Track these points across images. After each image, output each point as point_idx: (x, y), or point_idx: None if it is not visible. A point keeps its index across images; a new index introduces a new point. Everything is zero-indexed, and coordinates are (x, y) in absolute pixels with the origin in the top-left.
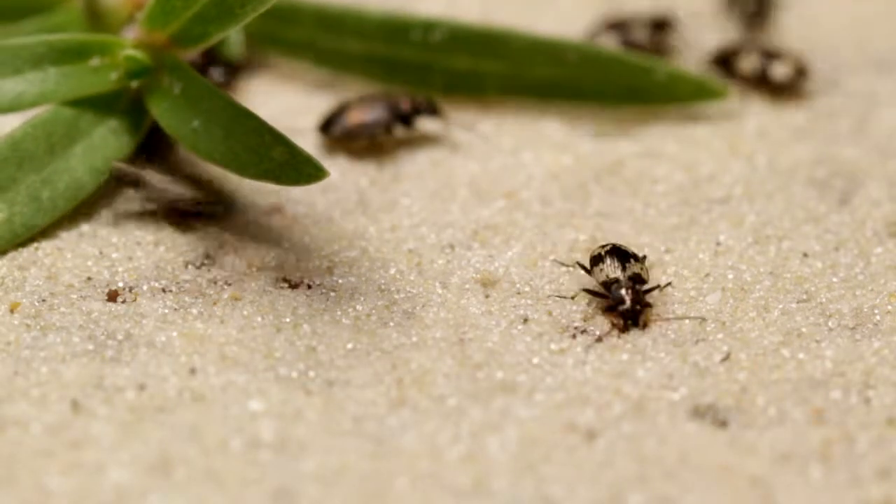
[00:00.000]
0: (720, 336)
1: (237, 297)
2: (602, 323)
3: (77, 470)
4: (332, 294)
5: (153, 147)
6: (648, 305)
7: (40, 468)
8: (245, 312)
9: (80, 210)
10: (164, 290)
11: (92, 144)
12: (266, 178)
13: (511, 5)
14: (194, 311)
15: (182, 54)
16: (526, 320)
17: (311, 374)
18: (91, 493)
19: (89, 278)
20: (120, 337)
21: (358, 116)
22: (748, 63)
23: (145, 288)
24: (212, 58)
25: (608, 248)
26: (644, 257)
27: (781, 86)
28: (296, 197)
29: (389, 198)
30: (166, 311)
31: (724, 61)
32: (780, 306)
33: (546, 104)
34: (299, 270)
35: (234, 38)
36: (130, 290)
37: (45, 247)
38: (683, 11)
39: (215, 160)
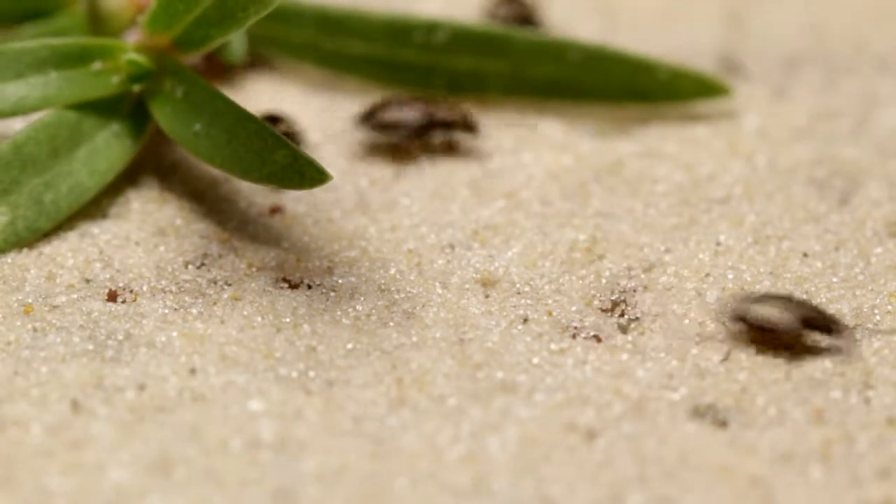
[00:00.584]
0: (720, 336)
1: (237, 297)
2: (602, 323)
3: (77, 470)
4: (332, 294)
5: None
6: None
7: (40, 468)
8: (245, 312)
9: (81, 210)
10: (164, 290)
11: (94, 148)
12: (269, 182)
13: None
14: (194, 311)
15: (184, 58)
16: (526, 320)
17: (311, 374)
18: (91, 493)
19: (89, 279)
20: (120, 337)
21: (394, 114)
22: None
23: (145, 288)
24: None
25: None
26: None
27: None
28: (296, 197)
29: (389, 198)
30: (166, 311)
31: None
32: None
33: (547, 104)
34: (299, 270)
35: (236, 41)
36: (130, 290)
37: (46, 247)
38: None
39: (218, 164)
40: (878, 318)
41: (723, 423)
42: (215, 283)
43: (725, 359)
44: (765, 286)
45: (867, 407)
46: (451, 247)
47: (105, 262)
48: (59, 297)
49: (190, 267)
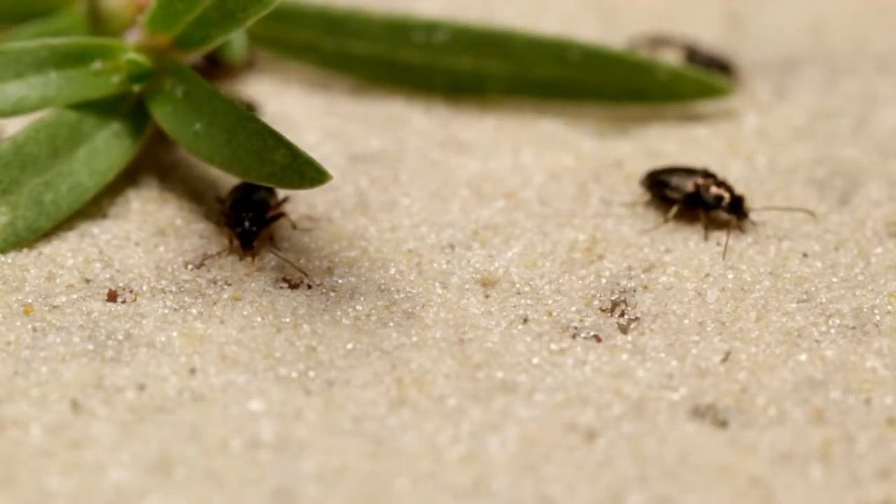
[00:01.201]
0: (720, 336)
1: (237, 298)
2: (602, 323)
3: (77, 470)
4: (332, 294)
5: None
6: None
7: (40, 468)
8: (245, 312)
9: (81, 210)
10: (163, 290)
11: (94, 148)
12: (268, 182)
13: (513, 5)
14: (194, 311)
15: (184, 58)
16: (526, 320)
17: (311, 374)
18: (91, 493)
19: (89, 279)
20: (120, 337)
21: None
22: None
23: (145, 288)
24: None
25: None
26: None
27: None
28: (296, 196)
29: (389, 198)
30: (166, 311)
31: None
32: (780, 306)
33: (547, 103)
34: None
35: (236, 40)
36: (130, 290)
37: (46, 247)
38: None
39: (217, 164)
40: (878, 318)
41: (723, 423)
42: (215, 283)
43: (725, 359)
44: (765, 286)
45: (867, 407)
46: (451, 247)
47: (105, 262)
48: (59, 297)
49: (190, 267)
